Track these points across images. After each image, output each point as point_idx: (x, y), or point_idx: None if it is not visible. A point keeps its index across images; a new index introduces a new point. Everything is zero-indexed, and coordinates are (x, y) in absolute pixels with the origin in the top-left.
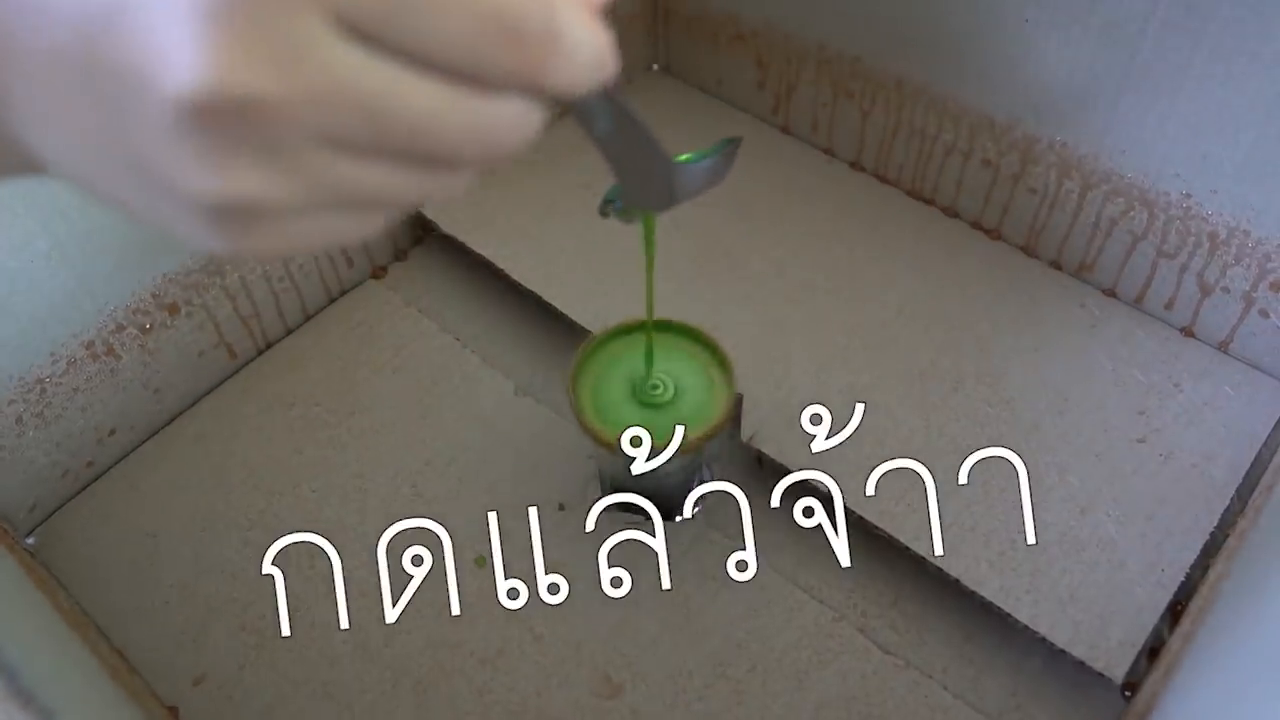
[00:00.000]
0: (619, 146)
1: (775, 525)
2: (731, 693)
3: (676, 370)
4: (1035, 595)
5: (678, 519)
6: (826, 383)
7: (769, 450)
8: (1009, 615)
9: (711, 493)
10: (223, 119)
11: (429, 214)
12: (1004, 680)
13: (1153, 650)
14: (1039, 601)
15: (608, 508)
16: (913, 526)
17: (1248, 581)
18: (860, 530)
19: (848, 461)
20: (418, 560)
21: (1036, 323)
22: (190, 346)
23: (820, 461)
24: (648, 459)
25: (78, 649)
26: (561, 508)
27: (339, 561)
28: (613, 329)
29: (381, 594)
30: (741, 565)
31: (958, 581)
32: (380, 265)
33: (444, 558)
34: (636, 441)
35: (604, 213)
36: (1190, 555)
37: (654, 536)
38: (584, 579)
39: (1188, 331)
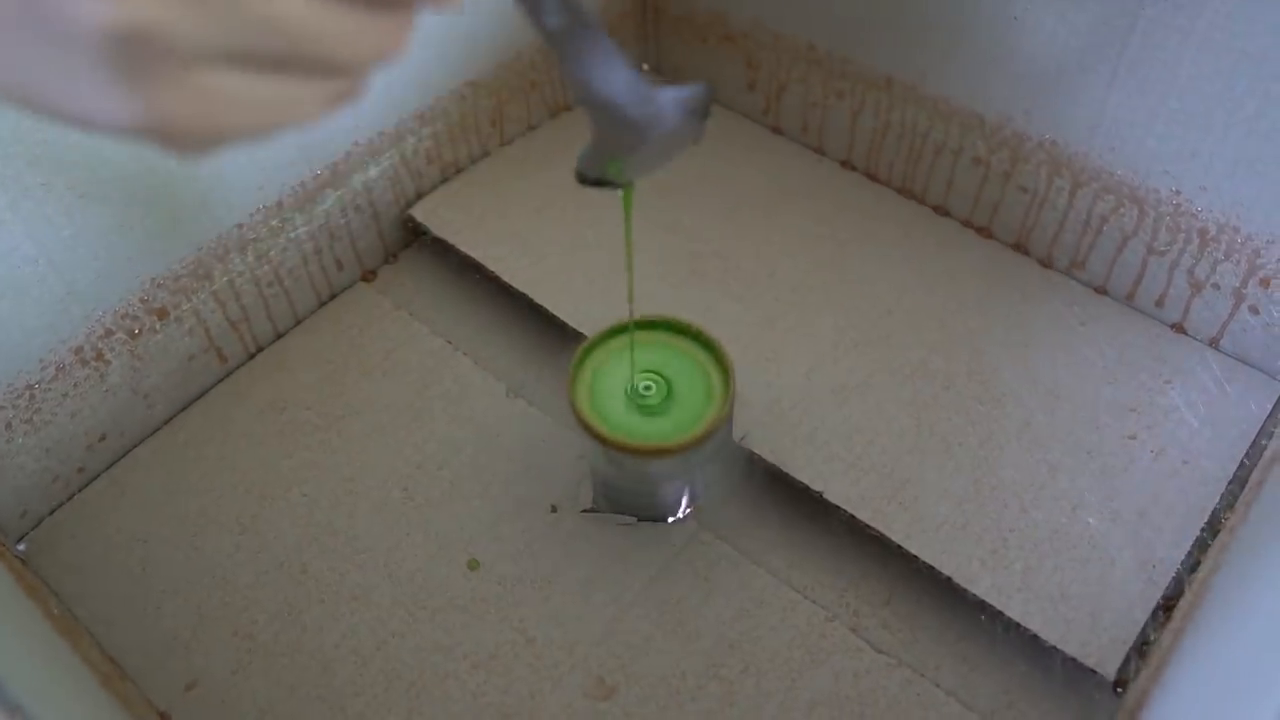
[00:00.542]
0: (573, 48)
1: (767, 525)
2: (725, 693)
3: (673, 369)
4: (1027, 593)
5: (670, 520)
6: (818, 382)
7: (760, 450)
8: (1001, 613)
9: (704, 494)
10: None
11: (419, 217)
12: (997, 678)
13: (1144, 647)
14: (1030, 599)
15: (600, 508)
16: (904, 525)
17: (1238, 577)
18: (852, 529)
19: (839, 461)
20: (409, 563)
21: (1027, 320)
22: (180, 351)
23: (812, 461)
24: (643, 456)
25: (68, 656)
26: (554, 509)
27: (331, 565)
28: (614, 327)
29: (373, 598)
30: (734, 566)
31: (950, 580)
32: (370, 269)
33: (436, 561)
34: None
35: (581, 178)
36: (1181, 552)
37: (647, 538)
38: (577, 581)
39: (1178, 328)
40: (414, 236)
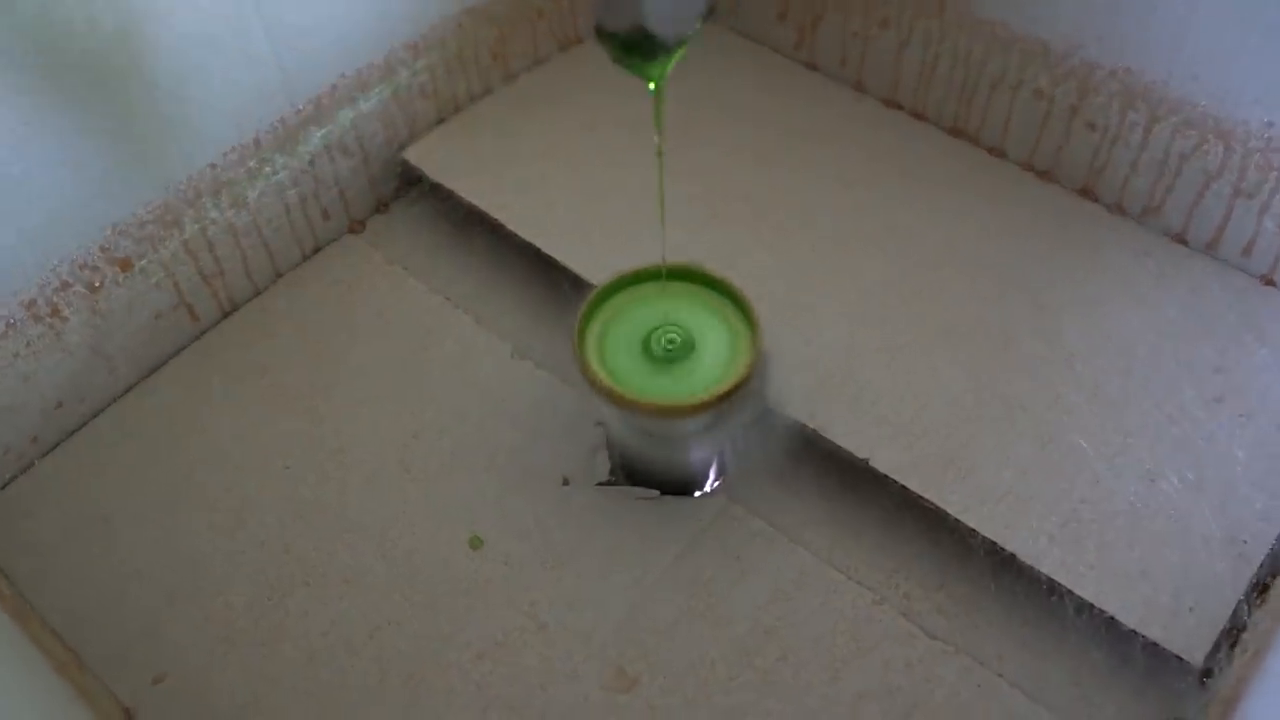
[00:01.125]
0: None
1: (805, 498)
2: (759, 685)
3: (694, 322)
4: (1100, 571)
5: (697, 494)
6: (862, 340)
7: (798, 415)
8: (1072, 593)
9: (734, 463)
10: None
11: (414, 160)
12: (1067, 666)
13: (1233, 632)
14: (1105, 578)
15: (618, 480)
16: (961, 497)
17: None
18: (902, 502)
19: (887, 426)
20: (405, 542)
21: (1096, 273)
22: (146, 307)
23: (856, 427)
24: (662, 415)
25: (21, 644)
26: (566, 482)
27: (317, 545)
28: (621, 276)
29: (366, 580)
30: (769, 543)
31: (1013, 557)
32: (358, 219)
33: (435, 540)
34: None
35: (599, 31)
36: (1275, 527)
37: (671, 512)
38: (593, 560)
39: (1267, 280)
40: (407, 183)
